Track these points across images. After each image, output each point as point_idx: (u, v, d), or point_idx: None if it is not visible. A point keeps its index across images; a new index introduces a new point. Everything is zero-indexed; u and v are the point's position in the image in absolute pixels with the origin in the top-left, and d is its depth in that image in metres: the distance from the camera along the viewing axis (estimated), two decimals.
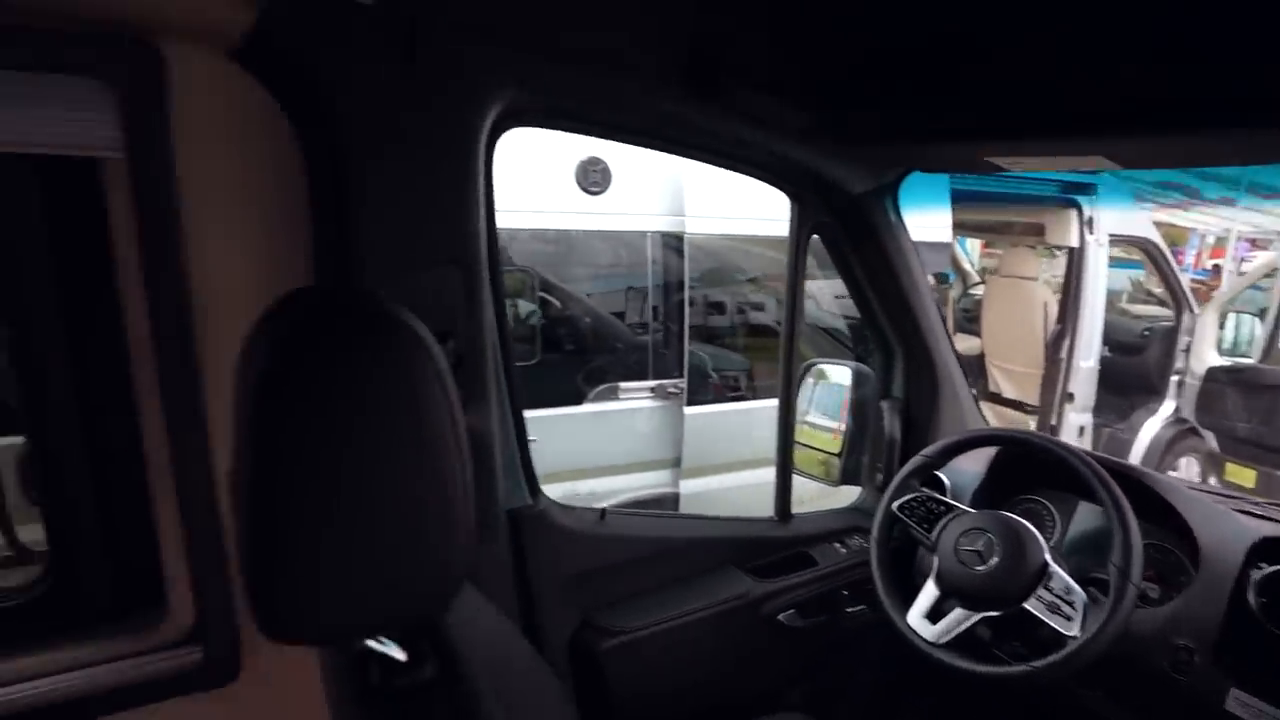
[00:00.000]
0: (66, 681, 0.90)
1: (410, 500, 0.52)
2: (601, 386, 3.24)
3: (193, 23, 0.81)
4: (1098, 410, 4.27)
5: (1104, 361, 4.26)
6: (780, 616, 1.44)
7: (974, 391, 1.74)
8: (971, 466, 1.40)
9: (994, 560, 1.10)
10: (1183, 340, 4.29)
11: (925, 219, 3.73)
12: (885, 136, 1.23)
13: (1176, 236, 8.89)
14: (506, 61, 0.95)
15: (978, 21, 0.83)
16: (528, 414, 1.25)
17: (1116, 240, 4.24)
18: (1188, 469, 4.30)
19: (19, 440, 2.54)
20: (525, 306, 3.17)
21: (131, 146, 0.82)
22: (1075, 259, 4.10)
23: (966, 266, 6.00)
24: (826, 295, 3.75)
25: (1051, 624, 1.06)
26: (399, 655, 0.59)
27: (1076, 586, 1.08)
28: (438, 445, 0.52)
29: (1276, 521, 1.18)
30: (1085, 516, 1.27)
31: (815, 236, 1.49)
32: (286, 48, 0.84)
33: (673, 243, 3.30)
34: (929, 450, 1.35)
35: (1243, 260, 8.76)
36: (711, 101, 1.14)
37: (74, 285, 0.91)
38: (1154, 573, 1.20)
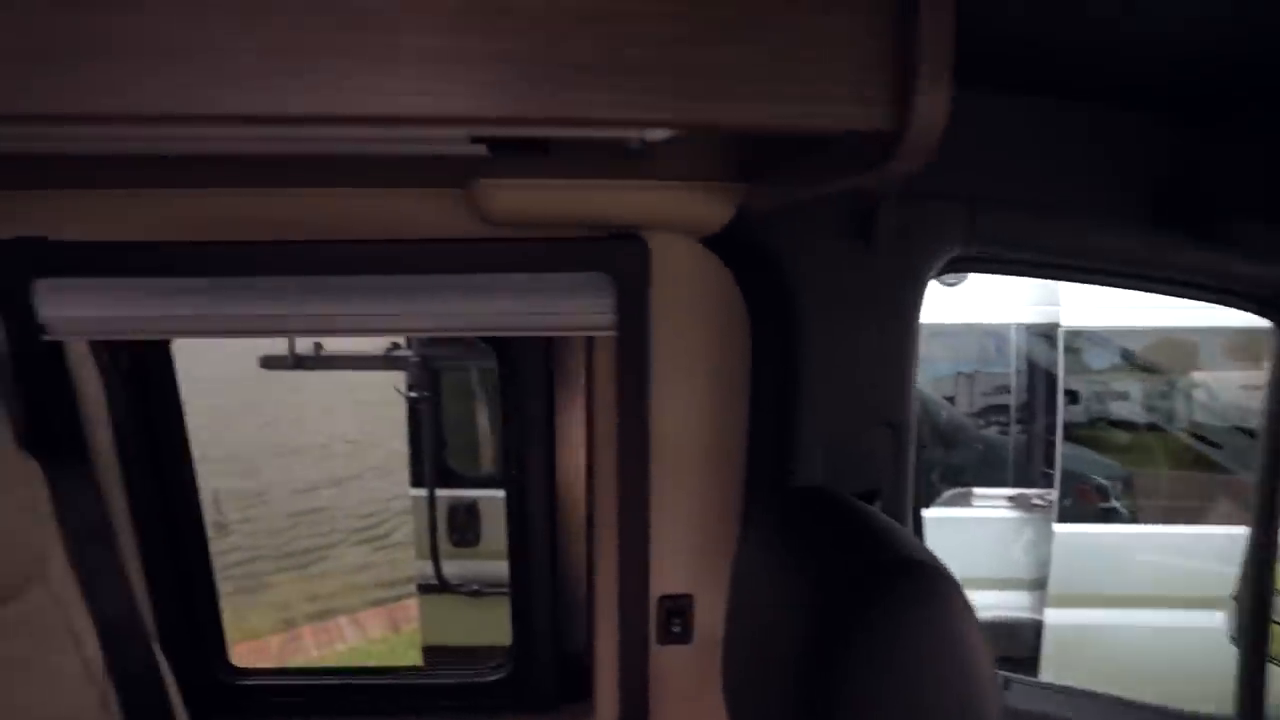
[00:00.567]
0: None
1: None
2: (954, 490, 2.98)
3: (681, 219, 0.93)
4: None
5: None
6: None
7: None
8: None
9: None
10: None
11: None
12: None
13: None
14: (958, 218, 0.93)
15: None
16: None
17: None
18: None
19: (452, 493, 3.14)
20: None
21: (620, 325, 0.96)
22: None
23: None
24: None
25: None
26: None
27: None
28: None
29: None
30: None
31: None
32: (754, 235, 0.92)
33: (1043, 334, 2.94)
34: None
35: None
36: (1189, 235, 0.98)
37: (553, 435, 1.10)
38: None
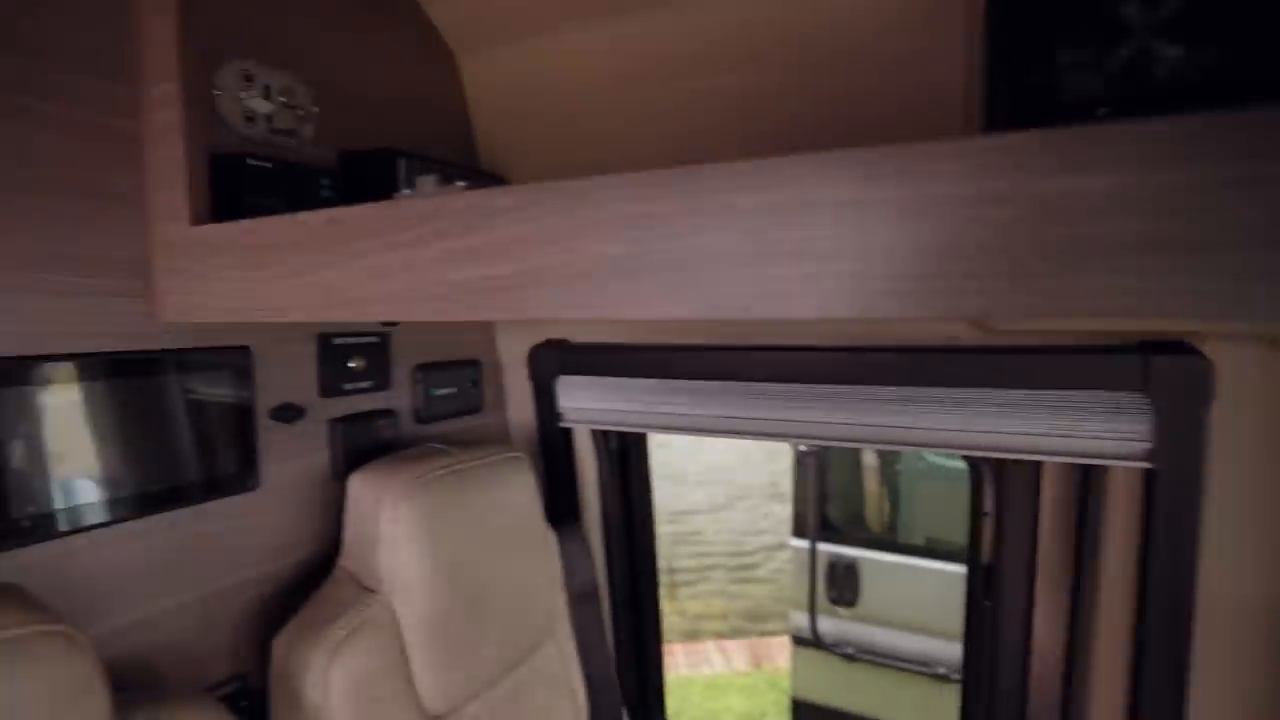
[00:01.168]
0: None
1: None
2: None
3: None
4: None
5: None
6: None
7: None
8: None
9: None
10: None
11: None
12: None
13: None
14: None
15: None
16: None
17: None
18: None
19: (832, 549, 3.06)
20: None
21: (1159, 455, 0.76)
22: None
23: None
24: None
25: None
26: None
27: None
28: None
29: None
30: None
31: None
32: None
33: None
34: None
35: None
36: None
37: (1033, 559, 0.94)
38: None
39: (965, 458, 1.03)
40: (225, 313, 0.63)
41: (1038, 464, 0.92)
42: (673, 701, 1.40)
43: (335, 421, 0.89)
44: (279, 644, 0.77)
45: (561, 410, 1.13)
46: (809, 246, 0.38)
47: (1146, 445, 0.78)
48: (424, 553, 0.81)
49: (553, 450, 1.15)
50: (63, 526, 0.64)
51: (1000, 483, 0.96)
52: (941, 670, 2.86)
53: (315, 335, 0.86)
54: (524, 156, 1.09)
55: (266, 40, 0.82)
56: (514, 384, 1.19)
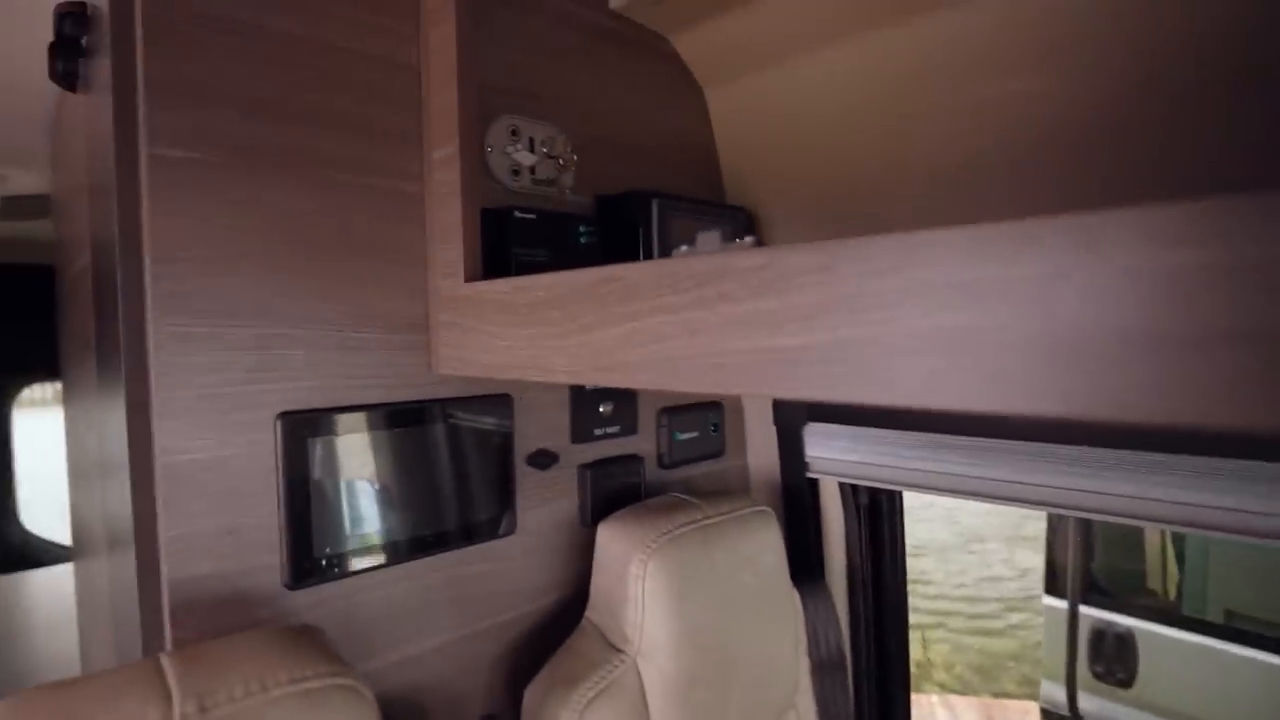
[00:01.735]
0: None
1: None
2: None
3: None
4: None
5: None
6: None
7: None
8: None
9: None
10: None
11: None
12: None
13: None
14: None
15: None
16: None
17: None
18: None
19: (1099, 614, 2.61)
20: None
21: None
22: None
23: None
24: None
25: None
26: None
27: None
28: None
29: None
30: None
31: None
32: None
33: None
34: None
35: None
36: None
37: None
38: None
39: None
40: (493, 369, 0.63)
41: None
42: None
43: (585, 467, 0.89)
44: (531, 693, 0.77)
45: (809, 459, 1.04)
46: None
47: None
48: (672, 614, 0.77)
49: (797, 501, 1.07)
50: (351, 566, 0.68)
51: None
52: None
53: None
54: (772, 188, 1.03)
55: (529, 94, 0.84)
56: (757, 429, 1.12)
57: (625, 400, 0.93)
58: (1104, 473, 0.78)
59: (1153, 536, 2.62)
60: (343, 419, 0.68)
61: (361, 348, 0.69)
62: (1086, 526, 2.66)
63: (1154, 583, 2.63)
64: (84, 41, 0.79)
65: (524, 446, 0.83)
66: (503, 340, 0.62)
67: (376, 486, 0.70)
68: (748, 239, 0.45)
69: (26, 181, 1.97)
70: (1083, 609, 2.68)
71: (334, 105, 0.67)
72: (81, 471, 1.14)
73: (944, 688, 5.09)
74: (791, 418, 1.02)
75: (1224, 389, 0.26)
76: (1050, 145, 0.77)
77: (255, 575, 0.63)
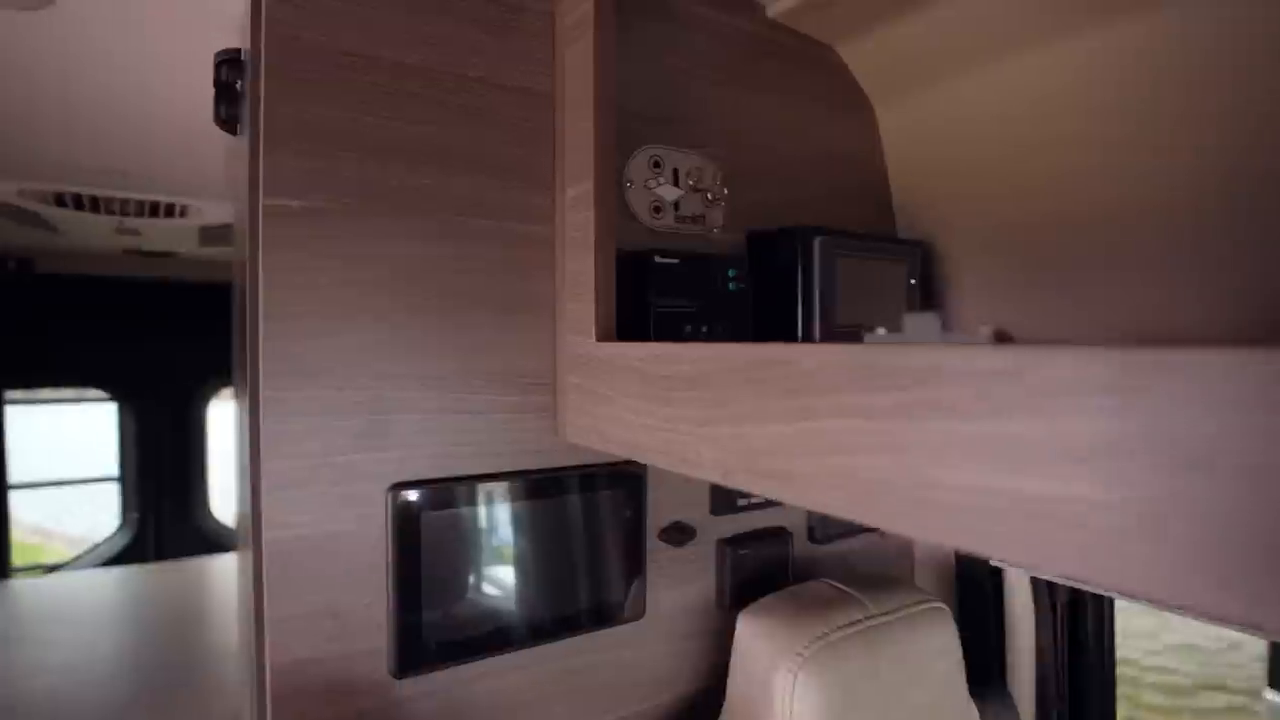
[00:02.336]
0: None
1: None
2: None
3: None
4: None
5: None
6: None
7: None
8: None
9: None
10: None
11: None
12: None
13: None
14: None
15: None
16: None
17: None
18: None
19: None
20: None
21: None
22: None
23: None
24: None
25: None
26: None
27: None
28: None
29: None
30: None
31: None
32: None
33: None
34: None
35: None
36: None
37: None
38: None
39: None
40: (626, 447, 0.54)
41: None
42: None
43: (725, 543, 0.78)
44: None
45: None
46: None
47: None
48: None
49: (976, 593, 0.89)
50: (462, 653, 0.61)
51: None
52: None
53: None
54: (953, 217, 0.87)
55: (674, 119, 0.75)
56: None
57: None
58: None
59: None
60: (458, 490, 0.61)
61: (481, 411, 0.62)
62: None
63: None
64: (239, 86, 0.79)
65: (657, 519, 0.73)
66: (638, 415, 0.52)
67: (493, 566, 0.62)
68: (983, 330, 0.32)
69: (218, 213, 2.17)
70: None
71: (464, 143, 0.61)
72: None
73: None
74: None
75: None
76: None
77: (359, 661, 0.57)
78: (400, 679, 0.59)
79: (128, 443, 3.51)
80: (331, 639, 0.56)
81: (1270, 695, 2.42)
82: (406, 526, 0.58)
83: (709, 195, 0.72)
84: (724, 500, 0.77)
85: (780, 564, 0.81)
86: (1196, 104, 0.63)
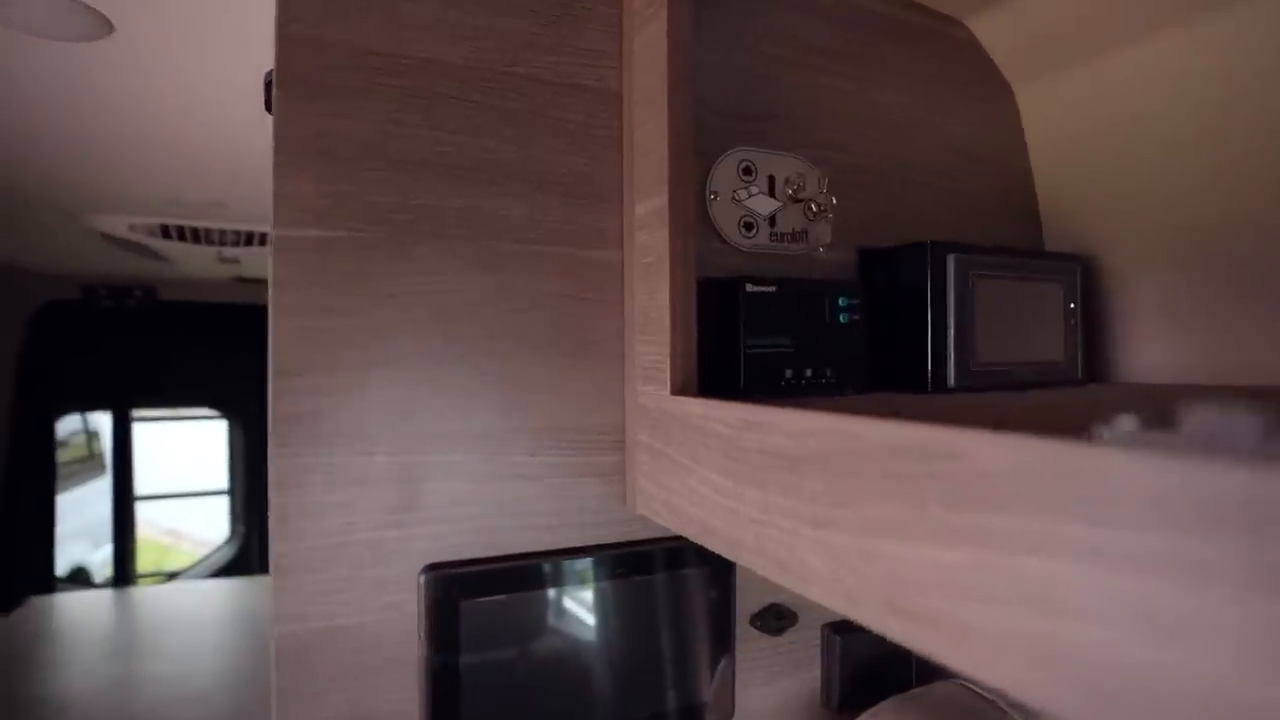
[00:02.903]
0: None
1: None
2: None
3: None
4: None
5: None
6: None
7: None
8: None
9: None
10: None
11: None
12: None
13: None
14: None
15: None
16: None
17: None
18: None
19: None
20: None
21: None
22: None
23: None
24: None
25: None
26: None
27: None
28: None
29: None
30: None
31: None
32: None
33: None
34: None
35: None
36: None
37: None
38: None
39: None
40: (704, 534, 0.41)
41: None
42: None
43: (832, 629, 0.64)
44: None
45: None
46: None
47: None
48: None
49: None
50: None
51: None
52: None
53: None
54: (1118, 223, 0.70)
55: (769, 116, 0.62)
56: None
57: None
58: None
59: None
60: (505, 571, 0.50)
61: (534, 475, 0.52)
62: None
63: None
64: None
65: (748, 602, 0.60)
66: (720, 494, 0.40)
67: (547, 661, 0.52)
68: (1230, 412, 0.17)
69: None
70: None
71: (513, 154, 0.51)
72: None
73: None
74: None
75: None
76: None
77: None
78: None
79: (236, 458, 3.68)
80: None
81: None
82: (442, 615, 0.48)
83: (812, 207, 0.59)
84: None
85: (902, 658, 0.66)
86: None
